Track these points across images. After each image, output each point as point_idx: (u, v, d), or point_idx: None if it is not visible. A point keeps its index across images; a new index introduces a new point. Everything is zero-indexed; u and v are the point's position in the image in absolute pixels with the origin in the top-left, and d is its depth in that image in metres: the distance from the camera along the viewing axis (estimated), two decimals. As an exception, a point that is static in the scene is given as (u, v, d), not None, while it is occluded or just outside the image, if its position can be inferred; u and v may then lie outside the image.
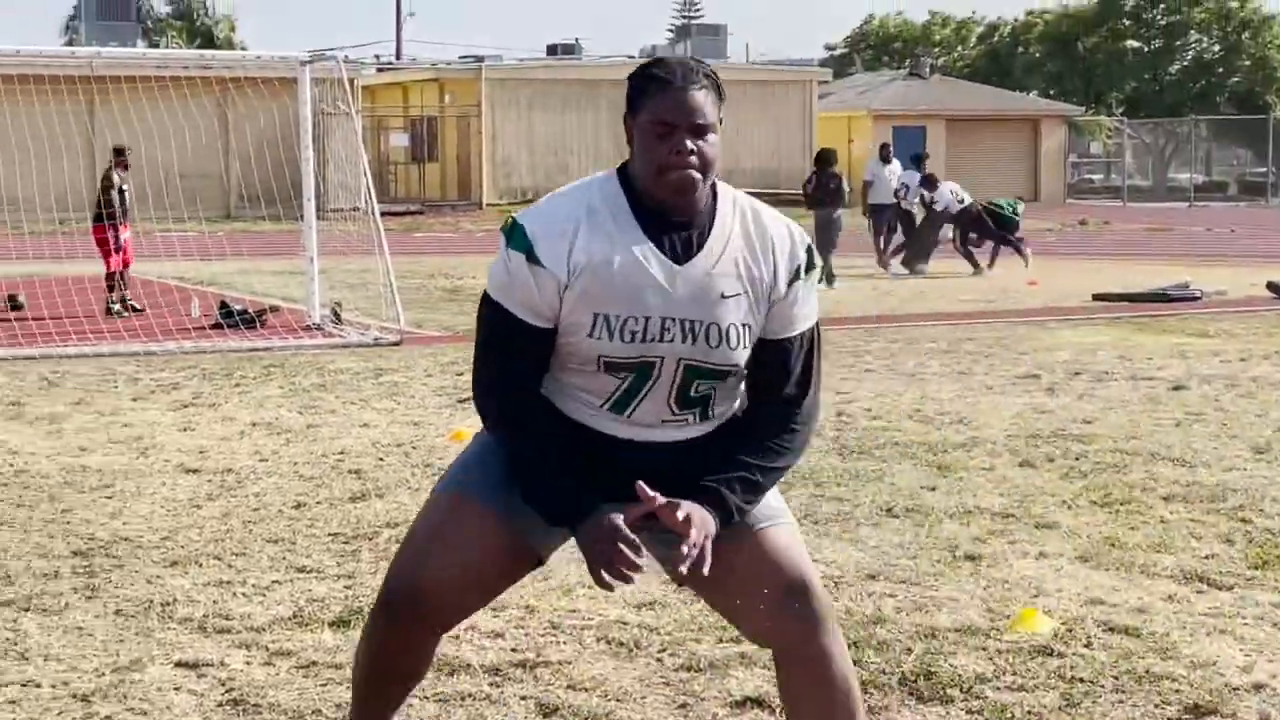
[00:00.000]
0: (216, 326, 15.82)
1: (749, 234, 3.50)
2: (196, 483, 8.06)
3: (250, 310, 16.45)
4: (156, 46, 57.45)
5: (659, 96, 3.40)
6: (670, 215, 3.44)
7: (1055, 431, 9.38)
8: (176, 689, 4.85)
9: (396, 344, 14.36)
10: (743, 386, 3.64)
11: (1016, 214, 24.35)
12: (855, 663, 4.02)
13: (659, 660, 5.11)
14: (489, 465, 3.61)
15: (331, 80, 21.29)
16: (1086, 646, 5.22)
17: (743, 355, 3.50)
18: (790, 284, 3.50)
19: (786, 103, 48.27)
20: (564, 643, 5.29)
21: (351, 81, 17.91)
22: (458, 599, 3.62)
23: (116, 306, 17.55)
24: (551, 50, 54.48)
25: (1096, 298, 18.85)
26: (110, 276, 17.93)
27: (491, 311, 3.49)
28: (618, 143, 45.78)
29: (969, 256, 23.78)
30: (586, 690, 4.83)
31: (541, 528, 3.56)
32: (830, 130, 49.93)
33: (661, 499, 3.39)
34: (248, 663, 5.10)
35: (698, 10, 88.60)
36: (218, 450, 8.98)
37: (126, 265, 18.13)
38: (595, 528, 3.40)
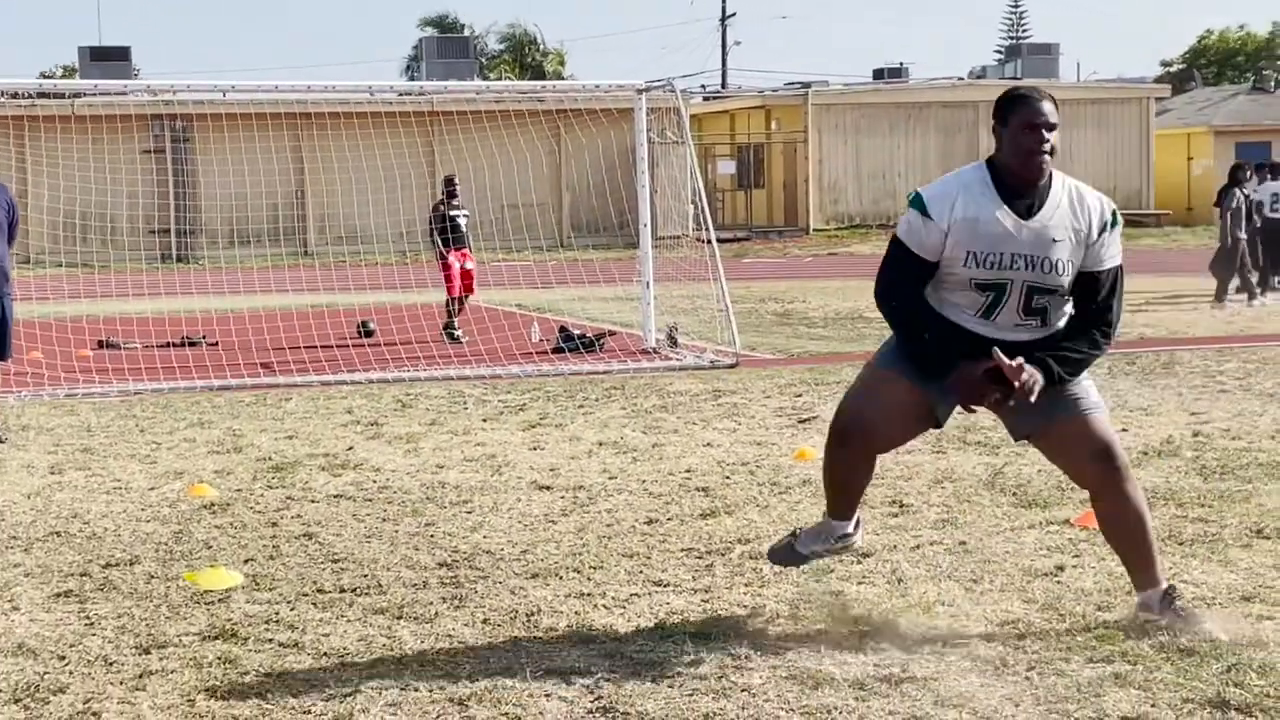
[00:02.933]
0: (557, 350, 16.18)
1: (1072, 201, 5.34)
2: (550, 499, 8.24)
3: (588, 334, 16.78)
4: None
5: (1025, 108, 5.28)
6: (1021, 188, 5.30)
7: None
8: (548, 696, 4.95)
9: (733, 366, 14.44)
10: (1068, 307, 5.44)
11: None
12: (1236, 685, 4.77)
13: (1027, 679, 4.99)
14: (901, 358, 5.48)
15: (662, 110, 21.63)
16: None
17: (1066, 280, 5.33)
18: (1100, 234, 5.33)
19: (1122, 121, 46.95)
20: (928, 659, 5.22)
21: (677, 111, 18.12)
22: (885, 432, 5.54)
23: (456, 332, 18.00)
24: (878, 74, 54.06)
25: None
26: (449, 302, 18.43)
27: (896, 248, 5.42)
28: (945, 164, 45.25)
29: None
30: (955, 707, 4.74)
31: (941, 399, 5.44)
32: (1169, 148, 48.38)
33: (1004, 357, 5.23)
34: (614, 671, 5.17)
35: (1026, 30, 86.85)
36: (568, 468, 9.16)
37: (466, 293, 18.51)
38: (960, 372, 5.32)
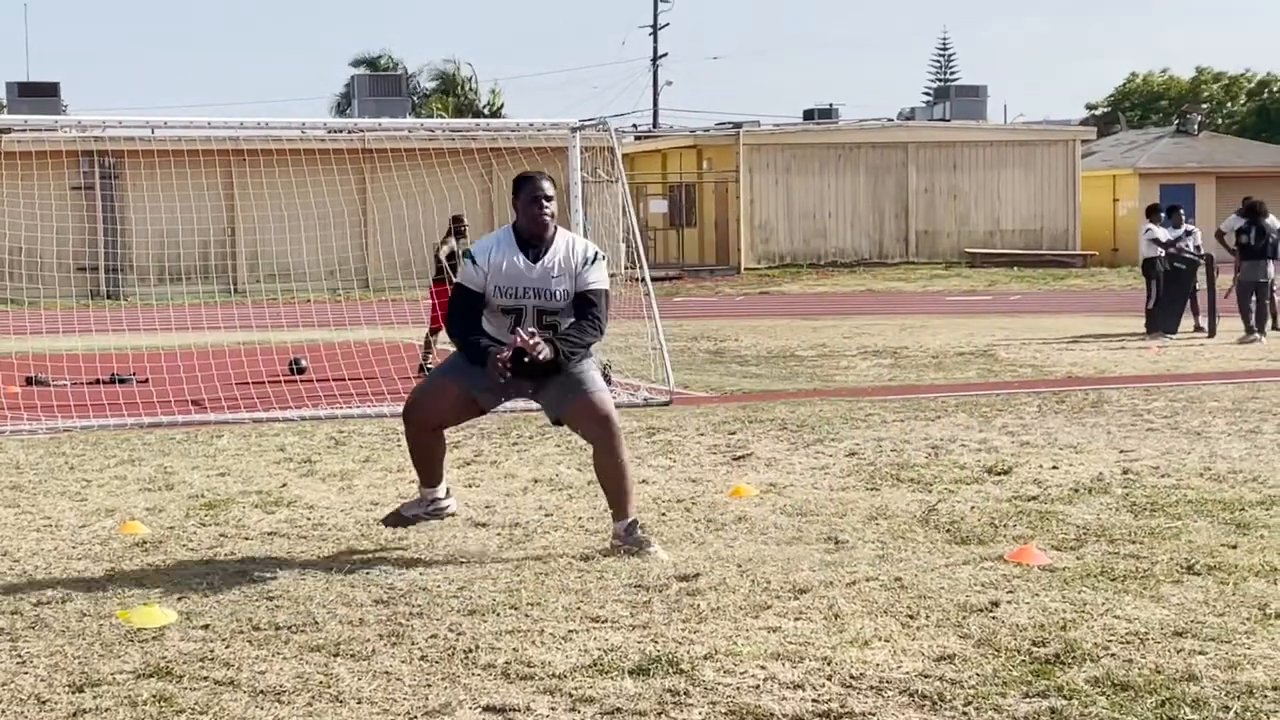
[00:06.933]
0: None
1: (568, 248, 7.64)
2: (486, 536, 8.23)
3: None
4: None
5: (530, 185, 7.61)
6: (531, 242, 7.60)
7: (1358, 490, 8.99)
8: (486, 732, 4.94)
9: (666, 404, 14.47)
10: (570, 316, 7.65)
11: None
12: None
13: (964, 714, 5.02)
14: (456, 364, 7.71)
15: (596, 148, 21.69)
16: None
17: (564, 303, 7.58)
18: (583, 267, 7.58)
19: (1049, 163, 47.47)
20: (865, 694, 5.24)
21: (610, 149, 18.19)
22: (440, 417, 7.80)
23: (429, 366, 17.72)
24: (809, 115, 54.45)
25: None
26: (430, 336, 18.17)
27: (459, 287, 7.65)
28: (875, 204, 45.66)
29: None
30: (893, 741, 4.76)
31: (484, 391, 7.64)
32: (1094, 190, 48.96)
33: (522, 333, 7.42)
34: (552, 708, 5.16)
35: (954, 73, 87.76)
36: (503, 505, 9.15)
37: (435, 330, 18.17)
38: (490, 359, 7.39)
